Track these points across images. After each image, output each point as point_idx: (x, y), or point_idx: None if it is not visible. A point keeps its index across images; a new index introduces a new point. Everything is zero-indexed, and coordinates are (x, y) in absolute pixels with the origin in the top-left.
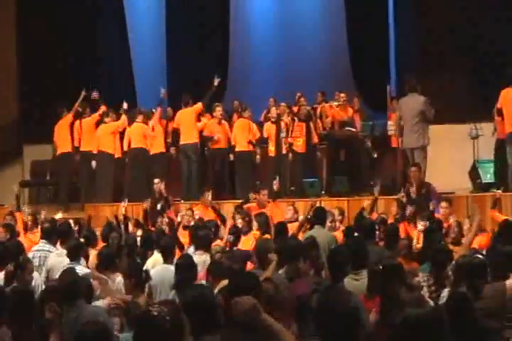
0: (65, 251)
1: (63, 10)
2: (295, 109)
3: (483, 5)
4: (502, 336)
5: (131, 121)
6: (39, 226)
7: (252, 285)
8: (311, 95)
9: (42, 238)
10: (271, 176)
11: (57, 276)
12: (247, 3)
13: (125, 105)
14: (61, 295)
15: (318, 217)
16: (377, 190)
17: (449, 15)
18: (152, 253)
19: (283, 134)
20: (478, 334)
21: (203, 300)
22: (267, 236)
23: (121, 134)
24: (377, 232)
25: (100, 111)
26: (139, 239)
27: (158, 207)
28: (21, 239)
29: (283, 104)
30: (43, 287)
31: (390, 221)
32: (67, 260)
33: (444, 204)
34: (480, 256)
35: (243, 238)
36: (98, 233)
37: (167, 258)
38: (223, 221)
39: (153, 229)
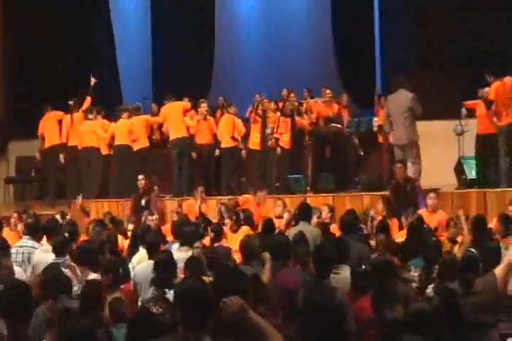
0: (50, 247)
1: (53, 9)
2: (280, 104)
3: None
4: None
5: (116, 117)
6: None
7: (240, 284)
8: (297, 92)
9: (25, 234)
10: (256, 172)
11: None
12: (233, 1)
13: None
14: (44, 291)
15: (304, 212)
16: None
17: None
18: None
19: (268, 130)
20: (465, 330)
21: (196, 294)
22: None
23: None
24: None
25: (85, 106)
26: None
27: (143, 202)
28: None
29: (266, 100)
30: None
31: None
32: (53, 256)
33: (432, 194)
34: (473, 250)
35: (233, 235)
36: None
37: (152, 255)
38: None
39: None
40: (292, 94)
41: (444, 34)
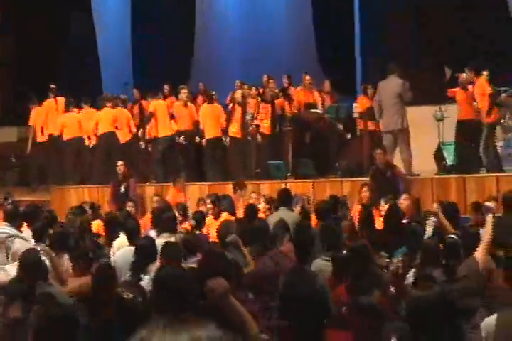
0: (30, 234)
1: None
2: (260, 91)
3: None
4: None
5: (99, 106)
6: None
7: (226, 269)
8: (278, 79)
9: (4, 220)
10: (236, 158)
11: None
12: None
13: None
14: (22, 277)
15: (284, 199)
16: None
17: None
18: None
19: (248, 116)
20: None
21: (174, 281)
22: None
23: None
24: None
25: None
26: None
27: (122, 189)
28: None
29: (246, 86)
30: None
31: (357, 204)
32: (33, 242)
33: (404, 196)
34: (453, 236)
35: (215, 222)
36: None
37: (132, 241)
38: None
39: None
40: (272, 81)
41: (417, 20)
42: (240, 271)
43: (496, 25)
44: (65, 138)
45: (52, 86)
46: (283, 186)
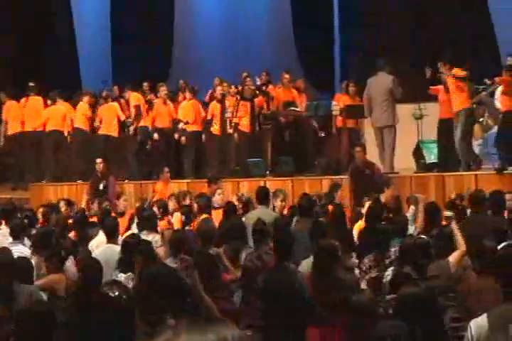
0: (8, 231)
1: None
2: (240, 88)
3: None
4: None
5: (76, 102)
6: None
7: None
8: (256, 75)
9: None
10: (216, 155)
11: None
12: None
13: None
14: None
15: (262, 197)
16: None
17: None
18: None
19: (228, 114)
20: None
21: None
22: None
23: None
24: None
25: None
26: None
27: (101, 186)
28: None
29: (225, 84)
30: None
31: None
32: (11, 239)
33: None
34: (424, 237)
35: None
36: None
37: (111, 238)
38: None
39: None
40: (248, 79)
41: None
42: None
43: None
44: (47, 129)
45: (31, 84)
46: (262, 184)
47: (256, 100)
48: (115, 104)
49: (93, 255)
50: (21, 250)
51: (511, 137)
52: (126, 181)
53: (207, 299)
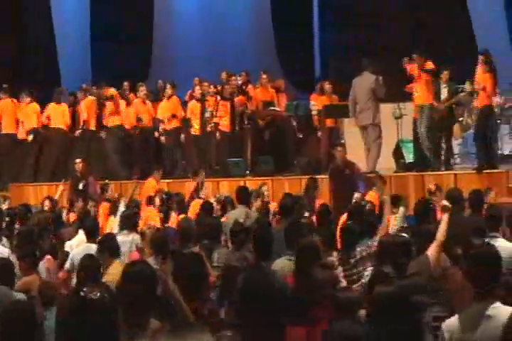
0: None
1: None
2: (219, 88)
3: None
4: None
5: (56, 99)
6: None
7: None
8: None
9: None
10: (195, 155)
11: None
12: None
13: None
14: None
15: (242, 197)
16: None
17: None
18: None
19: (207, 114)
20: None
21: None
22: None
23: None
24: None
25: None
26: None
27: (80, 186)
28: None
29: (205, 83)
30: None
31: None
32: None
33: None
34: (404, 235)
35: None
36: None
37: (90, 238)
38: None
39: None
40: (233, 77)
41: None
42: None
43: None
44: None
45: (4, 85)
46: (242, 184)
47: (236, 100)
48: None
49: (71, 254)
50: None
51: (486, 135)
52: (106, 181)
53: (182, 302)
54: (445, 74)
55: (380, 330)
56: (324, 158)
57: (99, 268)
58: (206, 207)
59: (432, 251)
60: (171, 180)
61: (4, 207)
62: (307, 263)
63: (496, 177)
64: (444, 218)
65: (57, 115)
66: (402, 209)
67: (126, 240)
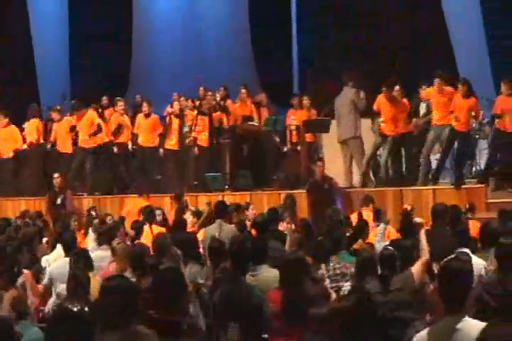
0: None
1: None
2: (197, 102)
3: None
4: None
5: (29, 117)
6: None
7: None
8: (215, 91)
9: None
10: (174, 170)
11: None
12: (152, 1)
13: None
14: None
15: (220, 211)
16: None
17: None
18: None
19: (186, 128)
20: (385, 327)
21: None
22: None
23: None
24: None
25: None
26: None
27: (58, 201)
28: None
29: (183, 98)
30: None
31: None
32: None
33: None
34: (390, 248)
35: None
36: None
37: (68, 252)
38: None
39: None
40: (210, 93)
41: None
42: None
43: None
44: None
45: None
46: (220, 198)
47: (214, 114)
48: (69, 118)
49: (49, 269)
50: None
51: (464, 150)
52: (84, 195)
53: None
54: (423, 90)
55: None
56: (304, 173)
57: (89, 279)
58: (179, 223)
59: (416, 268)
60: (152, 195)
61: None
62: (295, 277)
63: (475, 193)
64: (421, 235)
65: (33, 130)
66: (382, 225)
67: (106, 255)
